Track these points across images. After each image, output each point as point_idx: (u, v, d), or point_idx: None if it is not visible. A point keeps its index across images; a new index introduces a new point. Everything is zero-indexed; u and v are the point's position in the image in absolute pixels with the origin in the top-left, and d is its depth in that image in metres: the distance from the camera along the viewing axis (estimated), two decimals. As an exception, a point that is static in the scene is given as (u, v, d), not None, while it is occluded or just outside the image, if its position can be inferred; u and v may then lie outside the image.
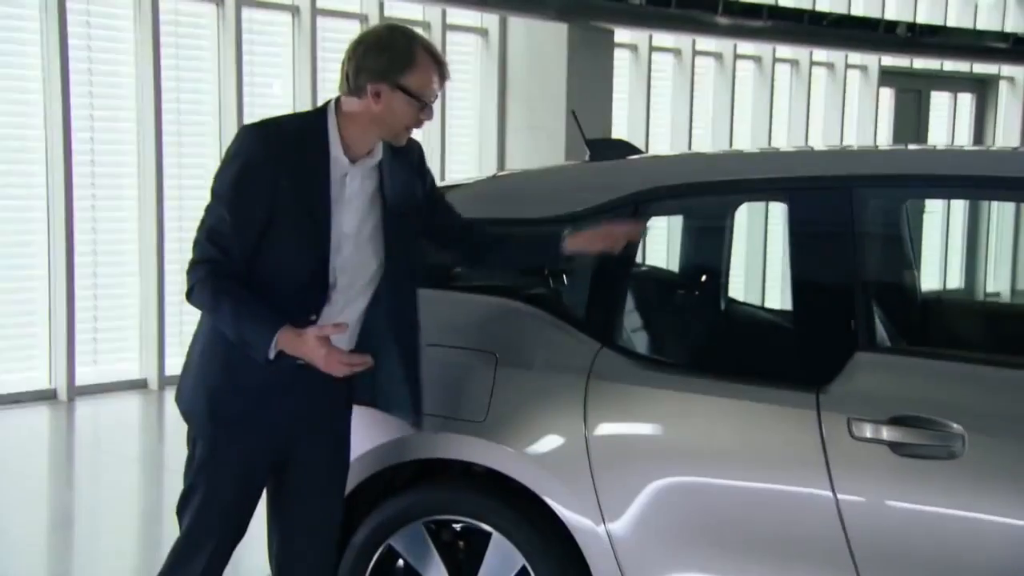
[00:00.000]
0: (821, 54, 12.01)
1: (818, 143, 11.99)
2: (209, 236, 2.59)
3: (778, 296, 2.86)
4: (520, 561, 2.83)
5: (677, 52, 10.76)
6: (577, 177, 3.18)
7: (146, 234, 7.41)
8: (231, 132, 7.67)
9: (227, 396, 2.66)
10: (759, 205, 2.93)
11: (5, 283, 7.09)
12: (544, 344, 2.87)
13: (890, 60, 12.66)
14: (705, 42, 10.83)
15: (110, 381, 7.33)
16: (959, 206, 12.72)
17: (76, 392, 7.04)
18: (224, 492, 2.70)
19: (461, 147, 9.38)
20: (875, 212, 2.95)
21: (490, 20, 9.32)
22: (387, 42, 2.60)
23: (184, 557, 2.74)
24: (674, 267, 3.56)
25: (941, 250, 12.71)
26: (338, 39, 8.51)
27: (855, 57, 12.36)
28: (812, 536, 2.56)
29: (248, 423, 2.68)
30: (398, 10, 8.73)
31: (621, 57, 10.13)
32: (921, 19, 12.28)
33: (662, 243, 4.55)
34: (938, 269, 12.68)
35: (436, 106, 2.68)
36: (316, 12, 8.18)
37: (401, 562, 3.00)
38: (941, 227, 12.73)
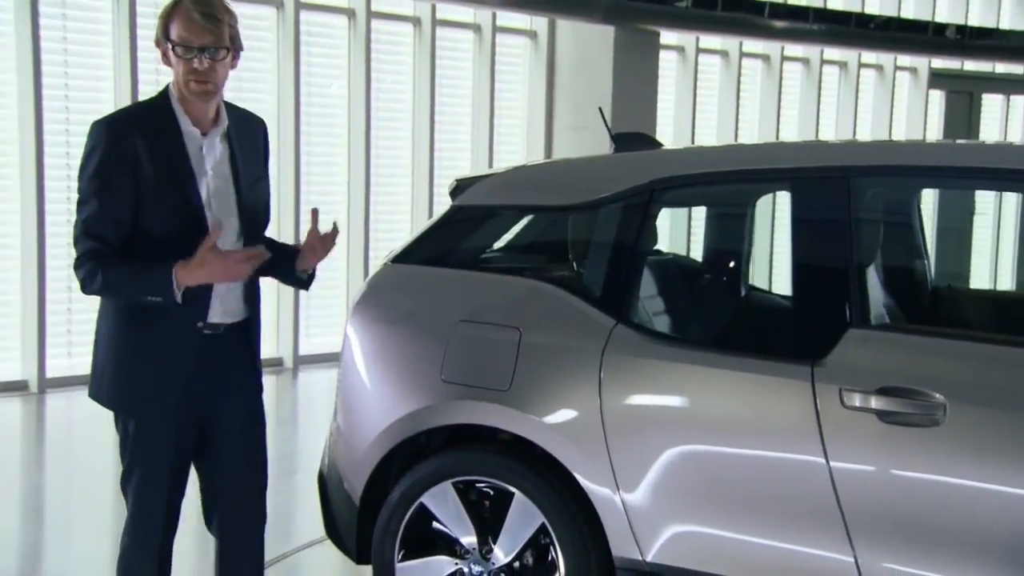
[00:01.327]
0: (870, 56, 12.08)
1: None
2: (85, 231, 2.75)
3: (782, 278, 3.09)
4: (540, 519, 3.08)
5: (724, 53, 10.93)
6: (599, 167, 3.42)
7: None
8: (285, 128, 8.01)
9: (150, 373, 2.85)
10: (778, 195, 3.14)
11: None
12: (564, 320, 3.11)
13: (941, 62, 12.69)
14: (752, 43, 10.98)
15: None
16: (1013, 209, 12.68)
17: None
18: (165, 461, 2.91)
19: (510, 145, 9.65)
20: (874, 200, 3.15)
21: (539, 22, 9.58)
22: (162, 10, 2.80)
23: (142, 522, 2.95)
24: (687, 251, 3.79)
25: (992, 251, 12.68)
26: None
27: (904, 59, 12.41)
28: (807, 497, 2.78)
29: (172, 394, 2.87)
30: (450, 12, 9.02)
31: (668, 58, 10.33)
32: (973, 21, 12.29)
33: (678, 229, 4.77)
34: (989, 269, 12.65)
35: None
36: (371, 15, 8.50)
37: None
38: (992, 228, 12.71)
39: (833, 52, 11.71)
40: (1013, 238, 12.98)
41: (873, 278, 3.07)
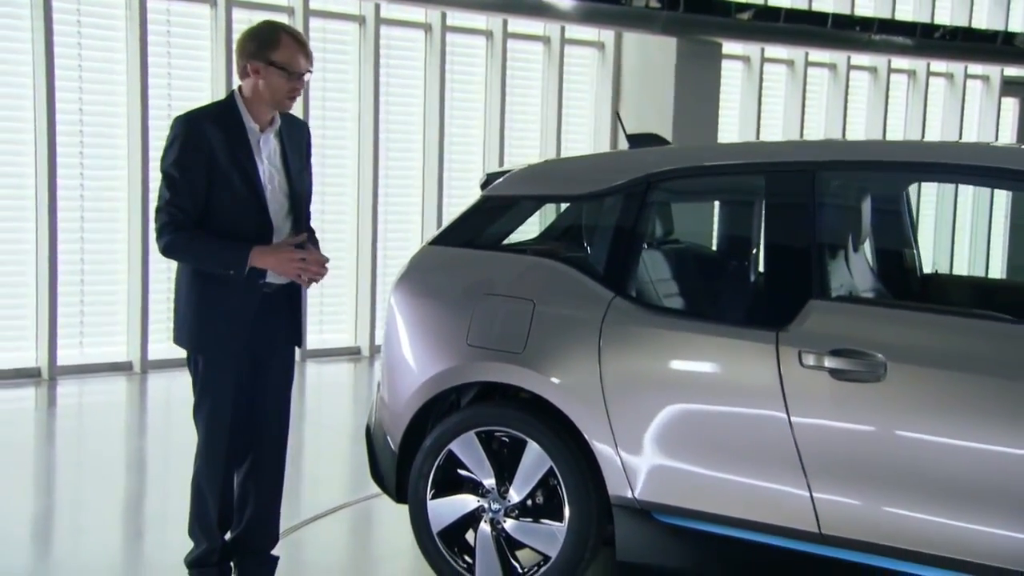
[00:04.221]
0: (940, 64, 12.22)
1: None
2: (168, 203, 3.38)
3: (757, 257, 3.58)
4: (548, 463, 3.59)
5: (790, 63, 11.24)
6: (605, 162, 3.94)
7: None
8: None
9: (220, 320, 3.48)
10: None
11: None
12: (571, 294, 3.62)
13: (1015, 70, 12.77)
14: (818, 53, 11.25)
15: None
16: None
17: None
18: (228, 390, 3.54)
19: (577, 151, 10.12)
20: (842, 191, 3.59)
21: (607, 34, 10.06)
22: (256, 31, 3.45)
23: (210, 444, 3.57)
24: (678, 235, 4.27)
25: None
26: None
27: (976, 67, 12.52)
28: (772, 446, 3.23)
29: (237, 337, 3.50)
30: (522, 26, 9.57)
31: (733, 68, 10.69)
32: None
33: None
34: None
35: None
36: (445, 29, 9.10)
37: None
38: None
39: (901, 61, 11.88)
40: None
41: (844, 257, 3.52)
